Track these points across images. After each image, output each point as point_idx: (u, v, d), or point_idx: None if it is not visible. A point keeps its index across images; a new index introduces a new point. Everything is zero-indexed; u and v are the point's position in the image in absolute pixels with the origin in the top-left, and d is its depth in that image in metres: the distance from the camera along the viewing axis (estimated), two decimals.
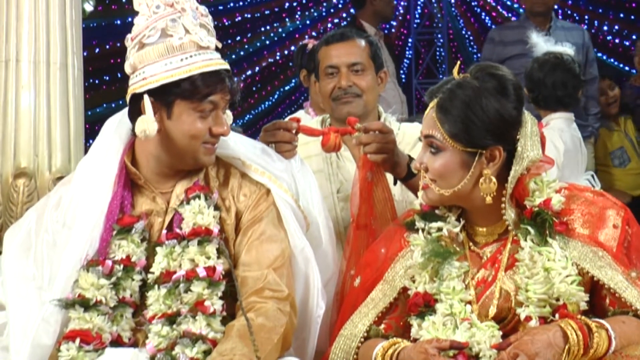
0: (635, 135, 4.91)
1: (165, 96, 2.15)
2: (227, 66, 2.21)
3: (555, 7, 5.61)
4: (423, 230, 2.12)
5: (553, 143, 3.66)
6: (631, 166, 4.90)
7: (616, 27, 6.98)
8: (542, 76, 3.81)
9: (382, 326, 2.11)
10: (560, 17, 6.11)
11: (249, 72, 7.27)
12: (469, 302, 2.03)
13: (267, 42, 7.45)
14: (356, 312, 2.14)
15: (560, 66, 3.81)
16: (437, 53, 8.38)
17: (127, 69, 2.21)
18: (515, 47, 4.72)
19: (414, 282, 2.09)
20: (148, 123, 2.12)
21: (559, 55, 3.82)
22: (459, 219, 2.12)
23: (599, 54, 4.82)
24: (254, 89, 7.34)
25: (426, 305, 2.04)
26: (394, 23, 7.82)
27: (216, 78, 2.17)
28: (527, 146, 2.02)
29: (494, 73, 2.06)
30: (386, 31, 6.98)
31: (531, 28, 4.72)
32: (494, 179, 2.02)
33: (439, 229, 2.10)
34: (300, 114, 3.26)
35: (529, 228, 2.01)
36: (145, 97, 2.14)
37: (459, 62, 2.12)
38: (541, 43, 3.85)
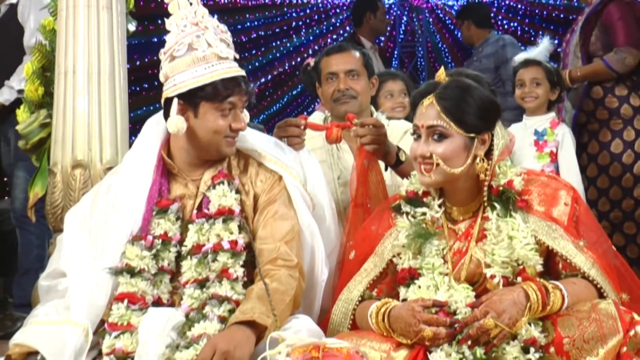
0: None
1: (192, 99, 2.14)
2: (243, 73, 2.20)
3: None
4: (408, 214, 2.09)
5: None
6: None
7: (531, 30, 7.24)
8: None
9: (375, 291, 2.09)
10: (497, 32, 6.00)
11: (262, 80, 7.23)
12: (447, 274, 2.00)
13: (278, 55, 7.41)
14: (351, 280, 2.13)
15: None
16: (418, 63, 8.34)
17: (161, 77, 2.20)
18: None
19: (399, 257, 2.06)
20: (177, 121, 2.11)
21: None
22: (440, 201, 2.08)
23: (523, 47, 4.74)
24: (267, 93, 7.30)
25: (412, 277, 2.02)
26: (382, 38, 7.77)
27: (234, 82, 2.16)
28: (503, 132, 2.02)
29: (469, 73, 2.06)
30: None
31: (478, 48, 4.88)
32: (485, 160, 2.00)
33: (423, 214, 2.07)
34: (317, 114, 3.23)
35: (496, 204, 2.00)
36: (175, 100, 2.13)
37: (442, 68, 2.09)
38: (522, 55, 3.71)
